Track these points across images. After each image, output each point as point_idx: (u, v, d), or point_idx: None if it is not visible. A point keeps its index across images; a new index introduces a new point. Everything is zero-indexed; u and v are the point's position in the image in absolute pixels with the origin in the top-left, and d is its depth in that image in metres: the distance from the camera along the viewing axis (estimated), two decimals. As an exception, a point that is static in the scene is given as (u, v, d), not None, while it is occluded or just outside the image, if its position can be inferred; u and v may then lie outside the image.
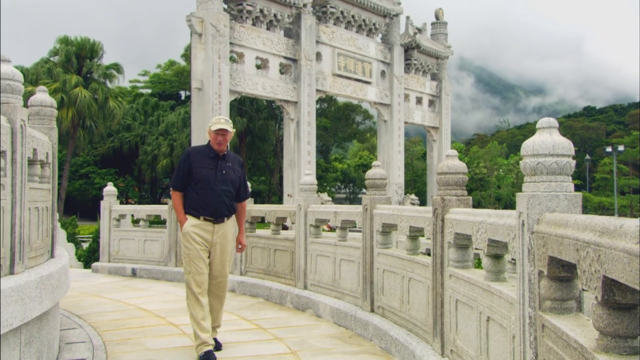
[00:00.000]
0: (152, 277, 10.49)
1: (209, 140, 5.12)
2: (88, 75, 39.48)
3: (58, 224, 13.40)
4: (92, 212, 40.23)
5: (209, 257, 5.03)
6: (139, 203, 46.06)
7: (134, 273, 10.86)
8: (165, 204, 11.12)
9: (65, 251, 5.74)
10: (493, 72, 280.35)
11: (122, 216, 11.82)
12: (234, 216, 5.29)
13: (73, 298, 8.06)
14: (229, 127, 5.08)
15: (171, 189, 5.19)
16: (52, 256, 5.05)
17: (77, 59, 38.93)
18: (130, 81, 54.38)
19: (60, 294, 4.56)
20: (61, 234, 18.15)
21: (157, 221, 16.60)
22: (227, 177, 5.07)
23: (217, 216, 5.00)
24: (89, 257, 17.55)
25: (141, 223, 11.46)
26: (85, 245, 20.30)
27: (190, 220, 5.03)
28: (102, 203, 11.79)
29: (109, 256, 11.55)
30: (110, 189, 11.95)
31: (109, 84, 40.49)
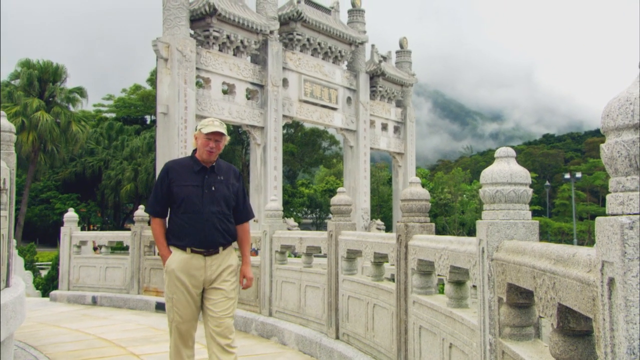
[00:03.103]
0: (114, 306, 10.23)
1: (194, 150, 4.13)
2: (50, 99, 38.81)
3: (15, 252, 12.96)
4: (52, 238, 39.16)
5: (202, 298, 4.05)
6: (102, 229, 45.04)
7: (94, 301, 10.58)
8: (129, 229, 10.92)
9: (22, 279, 5.56)
10: (448, 98, 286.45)
11: (83, 242, 11.54)
12: (234, 244, 4.27)
13: (29, 328, 7.79)
14: (224, 130, 4.05)
15: (150, 215, 4.19)
16: (7, 285, 4.88)
17: (40, 83, 38.28)
18: (95, 105, 53.67)
19: (15, 325, 4.40)
20: (19, 262, 17.58)
21: (119, 247, 16.25)
22: (218, 195, 4.02)
23: (207, 246, 3.96)
24: (47, 285, 17.02)
25: (103, 250, 11.22)
26: (44, 273, 19.69)
27: (175, 254, 3.98)
28: (63, 229, 11.50)
29: (69, 284, 11.24)
30: (71, 214, 11.69)
31: (72, 108, 39.85)
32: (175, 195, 3.98)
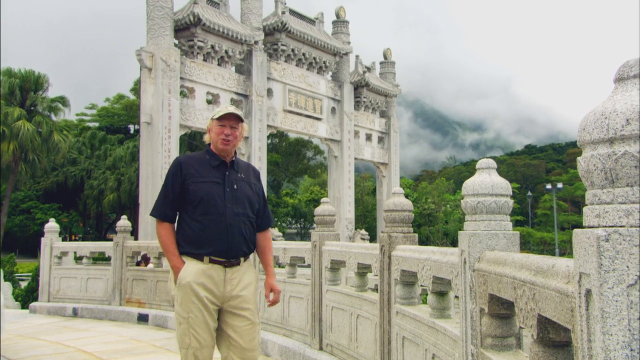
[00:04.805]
0: (95, 317, 10.10)
1: (208, 145, 3.53)
2: (32, 108, 38.39)
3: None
4: (32, 249, 38.63)
5: (218, 318, 3.40)
6: (84, 239, 44.55)
7: (75, 313, 10.43)
8: (111, 239, 10.82)
9: (1, 291, 5.48)
10: (428, 108, 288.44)
11: (64, 253, 11.39)
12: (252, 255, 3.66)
13: (7, 341, 7.65)
14: (240, 113, 3.47)
15: (155, 219, 3.49)
16: (-15, 297, 4.81)
17: (21, 92, 37.87)
18: (77, 114, 53.24)
19: (-7, 338, 4.33)
20: (-3, 273, 17.29)
21: (101, 258, 16.05)
22: (242, 194, 3.44)
23: (230, 255, 3.36)
24: (27, 297, 16.75)
25: (84, 260, 11.08)
26: (24, 284, 19.39)
27: (190, 265, 3.33)
28: (43, 240, 11.35)
29: (49, 295, 11.07)
30: (51, 225, 11.54)
31: (54, 117, 39.44)
32: (192, 194, 3.35)
